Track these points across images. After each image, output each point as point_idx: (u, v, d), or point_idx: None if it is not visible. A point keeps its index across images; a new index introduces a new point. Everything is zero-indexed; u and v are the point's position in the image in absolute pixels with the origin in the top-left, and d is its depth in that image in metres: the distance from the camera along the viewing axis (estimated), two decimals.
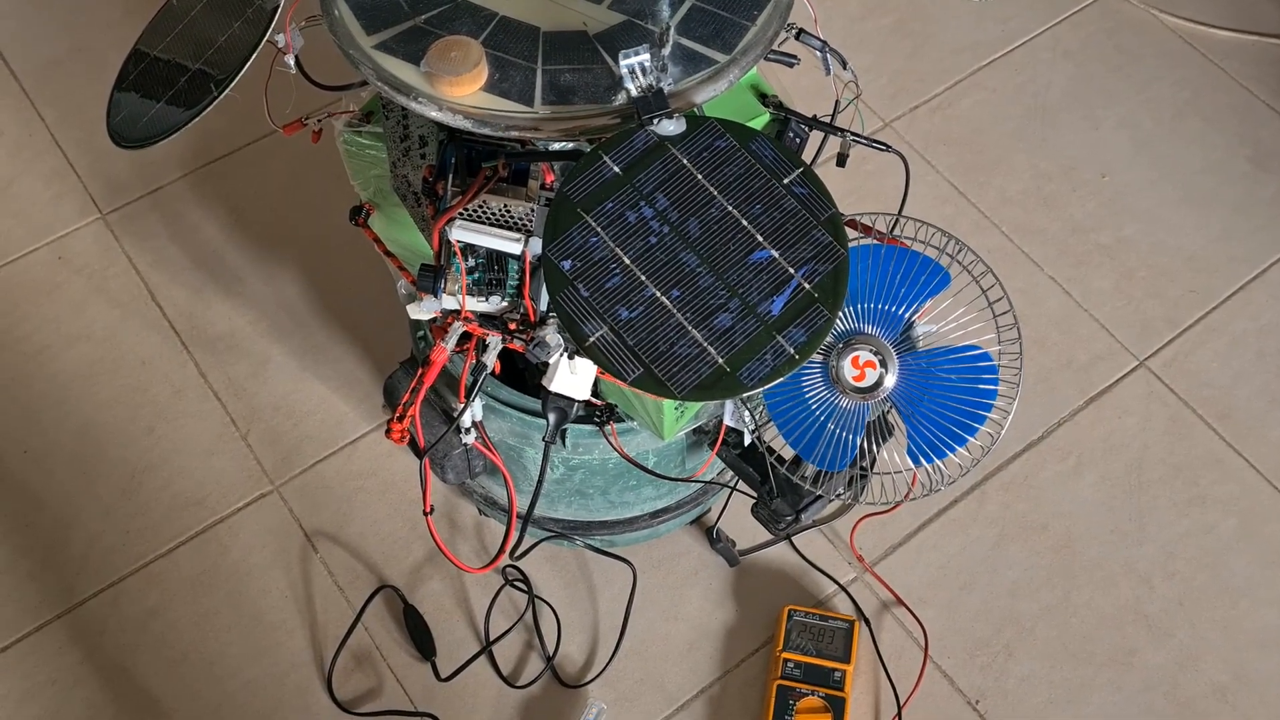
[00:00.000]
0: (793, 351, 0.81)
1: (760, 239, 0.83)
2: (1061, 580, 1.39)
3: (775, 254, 0.83)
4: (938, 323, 1.01)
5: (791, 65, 1.04)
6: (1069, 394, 1.53)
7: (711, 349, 0.80)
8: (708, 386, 0.80)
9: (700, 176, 0.85)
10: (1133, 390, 1.53)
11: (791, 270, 0.82)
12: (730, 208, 0.84)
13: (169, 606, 1.36)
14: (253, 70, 0.97)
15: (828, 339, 0.88)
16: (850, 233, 0.95)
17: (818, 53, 1.05)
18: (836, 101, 1.07)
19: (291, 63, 0.99)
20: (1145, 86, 1.80)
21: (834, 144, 1.06)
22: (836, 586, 1.38)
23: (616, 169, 0.86)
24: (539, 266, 0.93)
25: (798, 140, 1.05)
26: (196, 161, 1.71)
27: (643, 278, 0.82)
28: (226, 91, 0.93)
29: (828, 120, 1.05)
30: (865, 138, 1.06)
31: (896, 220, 1.03)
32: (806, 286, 0.82)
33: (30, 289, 1.60)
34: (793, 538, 1.40)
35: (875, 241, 1.00)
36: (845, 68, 1.06)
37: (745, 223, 0.83)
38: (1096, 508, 1.44)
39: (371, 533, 1.41)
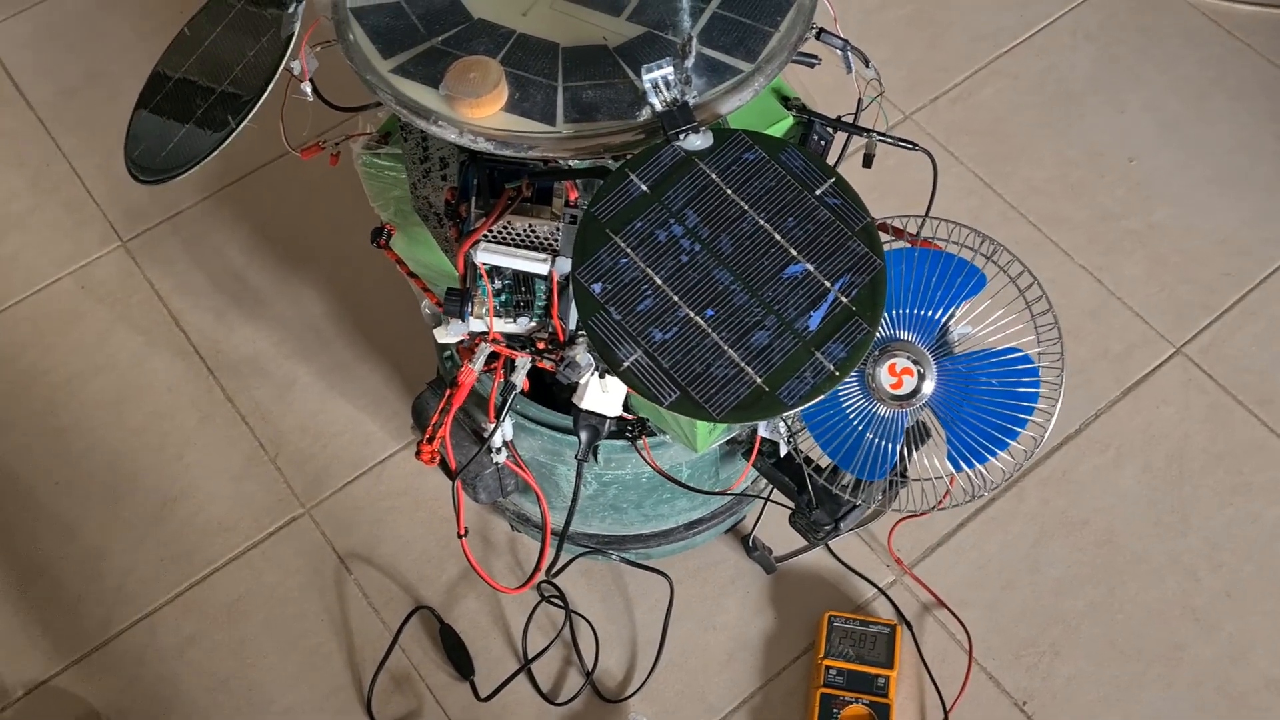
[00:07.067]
0: (833, 368, 0.79)
1: (794, 253, 0.81)
2: (1105, 576, 1.37)
3: (810, 267, 0.81)
4: (974, 325, 0.98)
5: (813, 66, 1.01)
6: (1105, 385, 1.50)
7: (749, 369, 0.78)
8: (747, 407, 0.78)
9: (730, 191, 0.83)
10: (1170, 378, 1.50)
11: (828, 283, 0.80)
12: (762, 222, 0.82)
13: (206, 634, 1.36)
14: (269, 92, 0.95)
15: None
16: (881, 236, 0.93)
17: (839, 51, 1.02)
18: (859, 100, 1.05)
19: (308, 90, 0.97)
20: (1170, 66, 1.77)
21: (858, 143, 1.04)
22: (876, 590, 1.36)
23: (644, 187, 0.84)
24: (567, 285, 0.92)
25: (823, 143, 1.03)
26: (215, 184, 1.70)
27: (675, 298, 0.80)
28: (245, 124, 0.92)
29: (851, 120, 1.03)
30: (892, 137, 1.03)
31: (924, 220, 1.01)
32: (844, 300, 0.80)
33: (55, 319, 1.59)
34: (829, 543, 1.38)
35: (907, 245, 0.98)
36: (868, 65, 1.04)
37: (778, 237, 0.81)
38: (1138, 500, 1.42)
39: (404, 553, 1.40)
